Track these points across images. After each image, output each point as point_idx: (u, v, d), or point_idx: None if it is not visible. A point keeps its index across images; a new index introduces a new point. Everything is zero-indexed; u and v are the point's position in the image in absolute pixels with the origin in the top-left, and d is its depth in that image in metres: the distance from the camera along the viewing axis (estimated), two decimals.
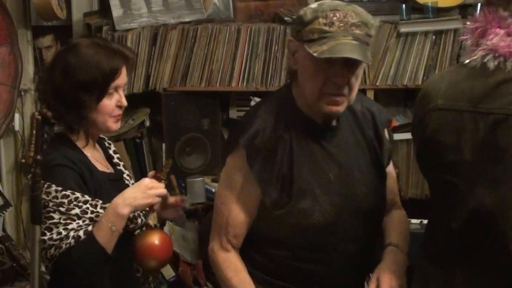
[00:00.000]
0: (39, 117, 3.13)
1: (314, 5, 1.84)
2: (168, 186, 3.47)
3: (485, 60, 1.48)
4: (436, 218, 1.66)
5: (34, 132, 3.66)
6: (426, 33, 3.49)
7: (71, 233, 1.86)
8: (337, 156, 1.95)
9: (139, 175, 3.42)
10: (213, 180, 3.63)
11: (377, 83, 3.55)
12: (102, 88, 1.96)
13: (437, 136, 1.55)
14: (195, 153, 3.67)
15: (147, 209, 2.00)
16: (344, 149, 1.97)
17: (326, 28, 1.77)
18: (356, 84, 1.87)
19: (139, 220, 2.04)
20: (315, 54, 1.76)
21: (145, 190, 1.92)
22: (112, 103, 2.00)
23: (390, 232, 2.04)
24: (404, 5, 3.51)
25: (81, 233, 1.86)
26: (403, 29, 3.46)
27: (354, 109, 2.03)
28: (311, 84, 1.84)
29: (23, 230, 3.80)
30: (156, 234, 1.98)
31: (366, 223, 1.98)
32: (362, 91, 3.39)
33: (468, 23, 1.56)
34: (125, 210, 1.88)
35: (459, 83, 1.54)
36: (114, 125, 2.04)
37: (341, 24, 1.77)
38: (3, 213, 3.60)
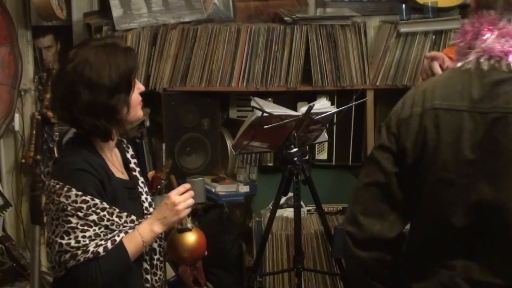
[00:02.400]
0: (39, 117, 3.15)
1: None
2: (168, 186, 3.49)
3: (480, 61, 1.55)
4: (427, 217, 1.63)
5: (34, 132, 3.66)
6: (426, 33, 3.49)
7: (90, 248, 1.88)
8: None
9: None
10: (213, 180, 3.64)
11: (377, 83, 3.55)
12: (129, 84, 1.99)
13: (434, 135, 1.57)
14: (195, 153, 3.67)
15: None
16: None
17: None
18: None
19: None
20: None
21: (173, 208, 2.03)
22: (137, 93, 2.05)
23: None
24: (404, 5, 3.51)
25: (100, 249, 1.89)
26: (403, 29, 3.45)
27: None
28: None
29: (23, 230, 3.80)
30: (200, 234, 2.17)
31: None
32: (362, 91, 3.39)
33: (460, 26, 1.59)
34: (160, 229, 2.02)
35: (454, 84, 1.59)
36: (142, 112, 2.11)
37: None
38: (3, 213, 3.60)
